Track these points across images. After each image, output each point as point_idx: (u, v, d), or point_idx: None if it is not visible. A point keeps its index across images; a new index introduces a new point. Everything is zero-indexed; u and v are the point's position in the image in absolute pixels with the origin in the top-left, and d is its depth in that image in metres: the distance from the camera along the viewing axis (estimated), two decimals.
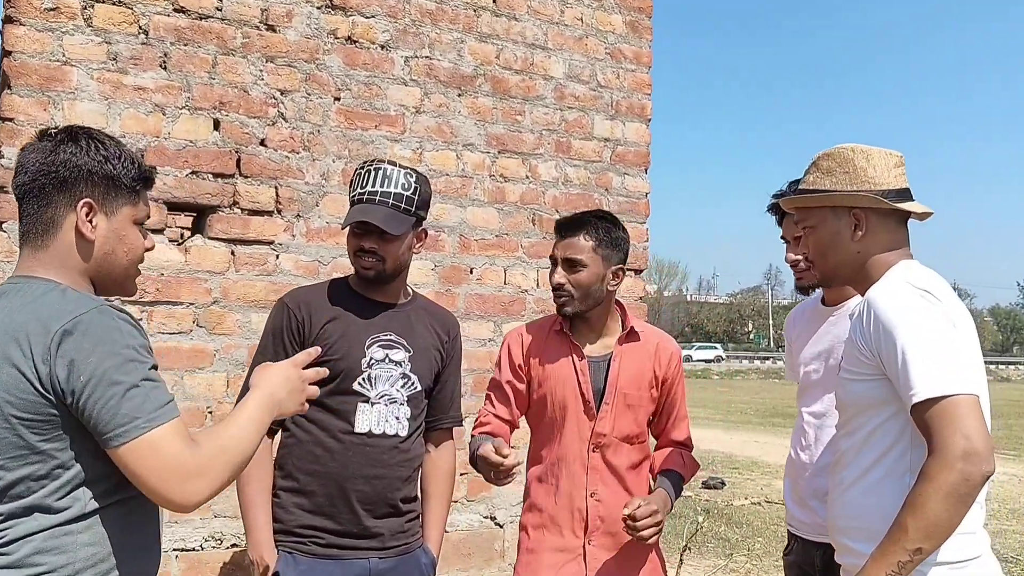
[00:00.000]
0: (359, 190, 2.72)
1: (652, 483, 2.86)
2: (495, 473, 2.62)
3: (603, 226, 2.80)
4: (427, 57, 4.01)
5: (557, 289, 2.78)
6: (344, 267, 3.58)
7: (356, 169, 2.77)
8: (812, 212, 2.39)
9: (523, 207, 4.20)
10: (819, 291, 2.98)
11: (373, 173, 2.72)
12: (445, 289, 3.98)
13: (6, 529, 1.70)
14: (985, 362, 2.54)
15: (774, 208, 3.02)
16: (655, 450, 2.96)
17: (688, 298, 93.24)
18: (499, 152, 4.15)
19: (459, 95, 4.07)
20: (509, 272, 4.16)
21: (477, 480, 3.91)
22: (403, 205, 2.71)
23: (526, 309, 4.13)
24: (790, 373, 3.09)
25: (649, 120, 4.55)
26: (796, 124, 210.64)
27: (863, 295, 2.31)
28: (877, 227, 2.29)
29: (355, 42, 3.86)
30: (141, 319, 3.43)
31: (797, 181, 2.85)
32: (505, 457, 2.58)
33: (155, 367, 1.78)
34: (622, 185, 4.44)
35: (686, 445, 2.95)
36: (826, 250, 2.37)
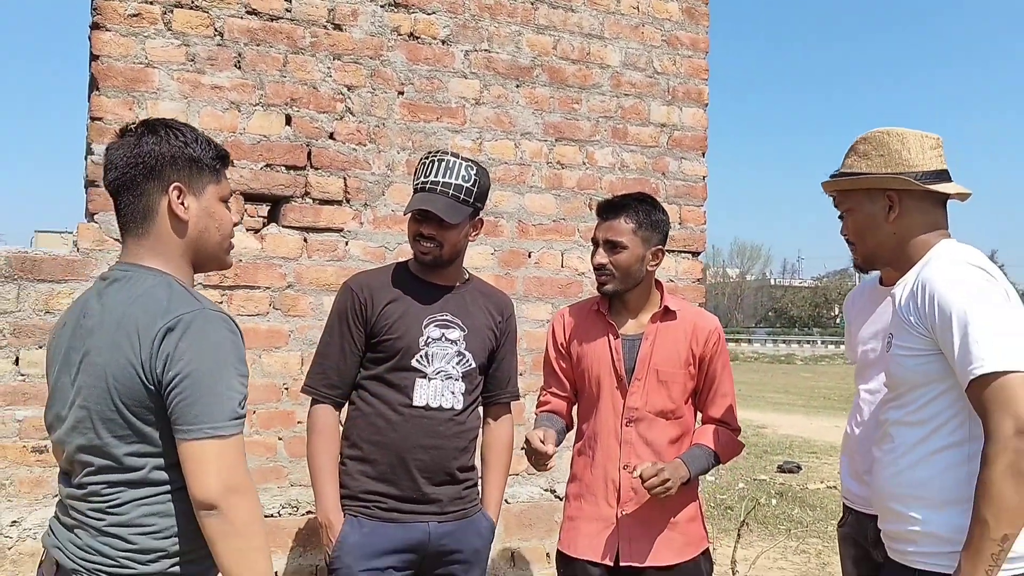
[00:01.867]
0: (422, 179, 2.90)
1: None
2: (536, 458, 2.84)
3: (643, 208, 2.95)
4: (486, 50, 4.17)
5: (599, 269, 2.94)
6: (409, 252, 3.78)
7: (421, 158, 2.96)
8: (849, 195, 2.47)
9: (580, 193, 4.34)
10: (877, 272, 3.05)
11: (436, 163, 2.90)
12: (504, 272, 4.16)
13: (118, 493, 1.90)
14: None
15: None
16: (700, 426, 3.09)
17: (772, 282, 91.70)
18: (556, 140, 4.30)
19: (517, 86, 4.23)
20: (566, 256, 4.31)
21: None
22: (462, 196, 2.89)
23: (583, 291, 4.27)
24: (850, 353, 3.18)
25: (706, 105, 4.64)
26: (887, 87, 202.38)
27: (902, 275, 2.39)
28: (912, 208, 2.35)
29: (417, 38, 4.05)
30: (221, 302, 3.68)
31: None
32: (545, 447, 2.82)
33: (243, 376, 1.93)
34: (679, 169, 4.55)
35: (726, 423, 3.05)
36: (863, 232, 2.45)
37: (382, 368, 2.91)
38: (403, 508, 2.87)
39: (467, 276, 3.10)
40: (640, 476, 2.77)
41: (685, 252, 4.55)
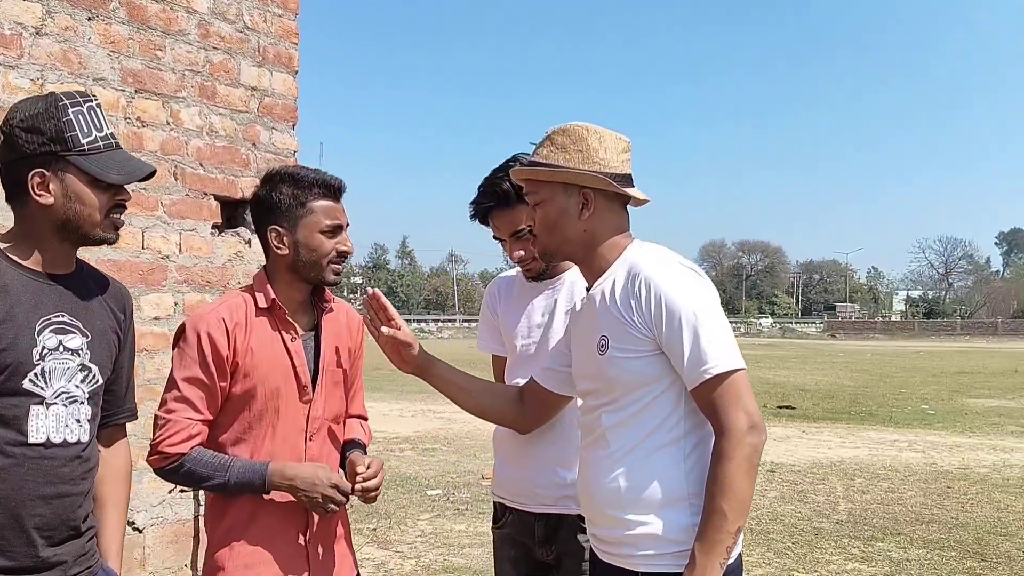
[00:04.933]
0: (97, 133, 2.14)
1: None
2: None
3: None
4: None
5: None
6: None
7: (59, 103, 2.12)
8: (543, 186, 2.36)
9: (164, 158, 3.59)
10: (516, 267, 2.94)
11: (96, 111, 2.18)
12: None
13: None
14: None
15: (476, 215, 2.88)
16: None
17: None
18: (136, 91, 3.50)
19: (89, 19, 3.35)
20: (147, 234, 3.53)
21: None
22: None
23: (168, 279, 3.55)
24: (494, 345, 3.03)
25: (296, 72, 4.16)
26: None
27: (591, 272, 2.31)
28: (604, 209, 2.32)
29: None
30: None
31: (516, 158, 2.77)
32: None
33: None
34: (270, 140, 4.02)
35: (364, 417, 2.75)
36: (553, 226, 2.36)
37: None
38: None
39: (76, 260, 2.33)
40: (365, 479, 2.41)
41: None
